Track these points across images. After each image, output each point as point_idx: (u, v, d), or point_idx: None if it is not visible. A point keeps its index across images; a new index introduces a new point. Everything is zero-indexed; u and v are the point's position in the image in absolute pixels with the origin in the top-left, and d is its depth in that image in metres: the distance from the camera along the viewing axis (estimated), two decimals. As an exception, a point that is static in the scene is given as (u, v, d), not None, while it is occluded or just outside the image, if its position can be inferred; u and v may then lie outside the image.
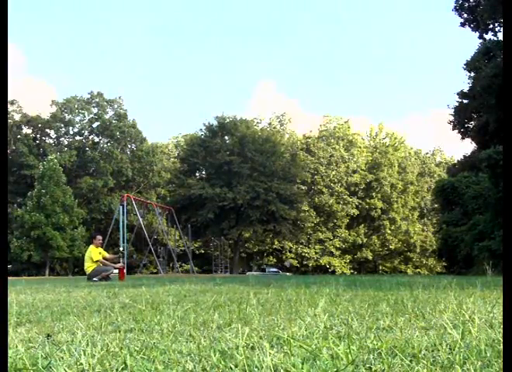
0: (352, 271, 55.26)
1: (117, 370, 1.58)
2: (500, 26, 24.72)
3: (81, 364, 1.63)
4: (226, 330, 2.29)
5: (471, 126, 27.04)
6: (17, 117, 51.02)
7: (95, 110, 52.39)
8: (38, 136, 52.25)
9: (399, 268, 58.41)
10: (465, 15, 26.02)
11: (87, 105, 52.25)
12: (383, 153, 57.79)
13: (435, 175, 60.11)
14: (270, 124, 57.28)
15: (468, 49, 63.39)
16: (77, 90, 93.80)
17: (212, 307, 3.35)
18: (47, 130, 52.55)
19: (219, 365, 1.60)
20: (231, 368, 1.56)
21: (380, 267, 59.26)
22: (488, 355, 1.64)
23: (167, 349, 1.85)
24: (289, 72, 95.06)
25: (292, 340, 1.86)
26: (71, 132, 53.40)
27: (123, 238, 27.52)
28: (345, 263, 55.31)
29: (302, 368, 1.52)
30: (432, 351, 1.73)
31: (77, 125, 52.89)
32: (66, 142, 53.54)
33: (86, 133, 53.51)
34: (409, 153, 61.96)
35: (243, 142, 47.56)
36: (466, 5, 25.98)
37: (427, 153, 66.57)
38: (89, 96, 52.52)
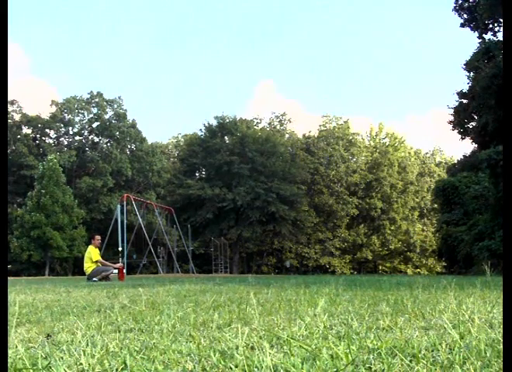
0: (352, 271, 55.26)
1: (117, 370, 1.58)
2: (500, 26, 24.73)
3: (81, 364, 1.63)
4: (226, 330, 2.29)
5: (471, 126, 27.04)
6: (17, 117, 51.02)
7: (94, 110, 52.40)
8: (38, 136, 52.24)
9: (399, 268, 58.42)
10: (465, 16, 26.02)
11: (87, 105, 52.25)
12: (383, 153, 57.77)
13: (435, 175, 60.09)
14: (270, 124, 57.27)
15: (468, 49, 63.38)
16: (77, 90, 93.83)
17: (212, 307, 3.35)
18: (47, 130, 52.54)
19: (219, 365, 1.60)
20: (231, 368, 1.56)
21: (380, 267, 59.27)
22: (488, 355, 1.64)
23: (167, 349, 1.85)
24: (289, 72, 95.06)
25: (291, 340, 1.86)
26: (71, 132, 53.42)
27: (123, 238, 27.51)
28: (345, 263, 55.30)
29: (302, 368, 1.52)
30: (432, 351, 1.74)
31: (76, 126, 52.90)
32: (66, 143, 53.56)
33: (86, 133, 53.53)
34: (409, 153, 61.94)
35: (243, 142, 47.58)
36: (466, 4, 25.98)
37: (426, 153, 66.57)
38: (89, 96, 52.54)
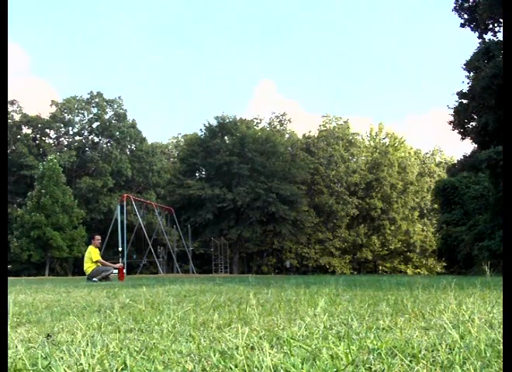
0: (352, 271, 55.24)
1: (117, 370, 1.58)
2: (500, 26, 24.72)
3: (81, 364, 1.63)
4: (225, 330, 2.29)
5: (471, 127, 27.04)
6: (17, 117, 51.02)
7: (94, 110, 52.40)
8: (38, 136, 52.23)
9: (399, 268, 58.40)
10: (465, 16, 26.01)
11: (87, 105, 52.25)
12: (383, 153, 57.77)
13: (435, 175, 60.10)
14: (270, 124, 57.27)
15: (468, 49, 63.41)
16: (77, 90, 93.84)
17: (212, 307, 3.35)
18: (47, 130, 52.54)
19: (219, 365, 1.60)
20: (231, 368, 1.56)
21: (380, 267, 59.26)
22: (488, 355, 1.64)
23: (167, 350, 1.85)
24: (289, 72, 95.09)
25: (291, 340, 1.86)
26: (71, 133, 53.43)
27: (123, 238, 27.51)
28: (345, 263, 55.29)
29: (302, 368, 1.52)
30: (432, 351, 1.73)
31: (76, 126, 52.90)
32: (66, 143, 53.56)
33: (86, 133, 53.52)
34: (409, 153, 61.94)
35: (243, 142, 47.58)
36: (466, 5, 25.97)
37: (426, 153, 66.59)
38: (89, 96, 52.53)
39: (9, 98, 47.97)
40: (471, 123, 26.92)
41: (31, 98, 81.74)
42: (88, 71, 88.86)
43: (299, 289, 5.10)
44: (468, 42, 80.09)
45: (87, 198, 48.65)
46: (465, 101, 26.18)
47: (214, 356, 1.70)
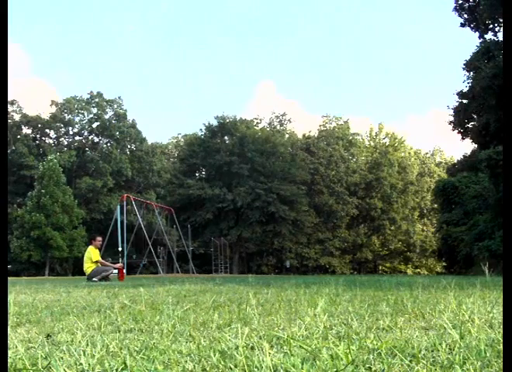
0: (352, 271, 55.24)
1: (117, 370, 1.58)
2: (500, 26, 24.72)
3: (81, 364, 1.63)
4: (225, 330, 2.29)
5: (471, 127, 27.05)
6: (17, 117, 50.98)
7: (94, 110, 52.37)
8: (38, 136, 52.21)
9: (399, 268, 58.39)
10: (465, 16, 26.03)
11: (86, 105, 52.21)
12: (383, 153, 57.77)
13: (435, 175, 60.11)
14: (270, 124, 57.27)
15: (468, 49, 63.39)
16: (77, 90, 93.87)
17: (211, 307, 3.35)
18: (47, 130, 52.52)
19: (218, 365, 1.60)
20: (231, 368, 1.56)
21: (380, 267, 59.25)
22: (488, 355, 1.64)
23: (167, 350, 1.85)
24: (289, 72, 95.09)
25: (291, 340, 1.86)
26: (71, 133, 53.42)
27: (123, 238, 27.47)
28: (345, 263, 55.27)
29: (302, 368, 1.52)
30: (432, 351, 1.73)
31: (76, 126, 52.87)
32: (66, 143, 53.53)
33: (86, 133, 53.51)
34: (409, 153, 61.96)
35: (243, 142, 47.60)
36: (466, 5, 25.99)
37: (426, 153, 66.59)
38: (89, 96, 52.51)
39: (9, 98, 47.96)
40: (471, 123, 26.93)
41: (31, 98, 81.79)
42: (88, 71, 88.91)
43: (299, 289, 5.10)
44: (468, 42, 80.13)
45: (87, 198, 48.63)
46: (465, 101, 26.18)
47: (214, 356, 1.70)
